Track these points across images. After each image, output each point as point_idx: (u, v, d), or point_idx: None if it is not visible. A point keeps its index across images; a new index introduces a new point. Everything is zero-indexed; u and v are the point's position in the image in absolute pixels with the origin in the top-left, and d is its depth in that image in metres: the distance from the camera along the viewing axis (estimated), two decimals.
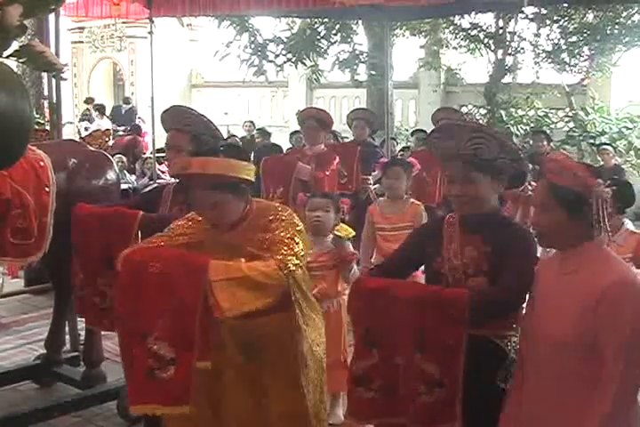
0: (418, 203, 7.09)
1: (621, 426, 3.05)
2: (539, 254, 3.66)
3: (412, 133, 14.59)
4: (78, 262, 4.86)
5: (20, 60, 5.10)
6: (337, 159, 8.50)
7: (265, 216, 3.80)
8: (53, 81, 7.95)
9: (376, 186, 10.47)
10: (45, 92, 9.61)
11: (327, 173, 8.21)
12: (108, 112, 21.06)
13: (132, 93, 23.38)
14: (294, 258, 3.58)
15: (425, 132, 13.71)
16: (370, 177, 9.95)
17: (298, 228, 3.75)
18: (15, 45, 5.11)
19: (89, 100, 21.91)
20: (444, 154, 3.69)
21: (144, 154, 17.17)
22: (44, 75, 8.32)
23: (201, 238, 3.88)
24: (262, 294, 3.46)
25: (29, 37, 5.80)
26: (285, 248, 3.60)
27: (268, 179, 8.35)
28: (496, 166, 3.54)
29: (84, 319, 5.10)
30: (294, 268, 3.57)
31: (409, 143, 14.16)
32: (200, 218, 3.91)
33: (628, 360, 2.99)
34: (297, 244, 3.65)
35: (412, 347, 3.25)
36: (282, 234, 3.67)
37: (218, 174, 3.66)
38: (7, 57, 4.89)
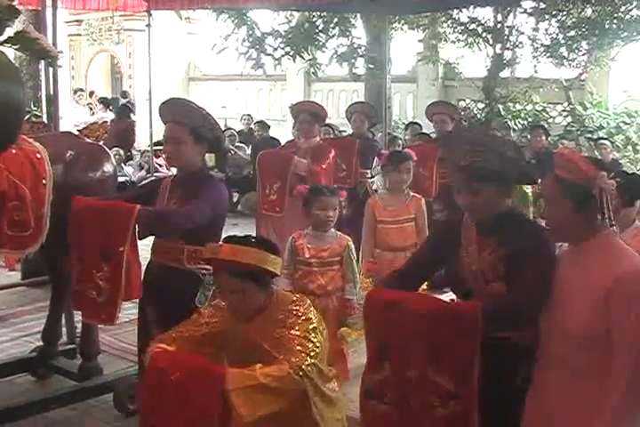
0: (418, 196, 7.12)
1: (633, 418, 3.05)
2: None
3: (406, 127, 14.61)
4: (75, 256, 4.83)
5: (15, 47, 5.09)
6: (332, 152, 8.49)
7: (282, 310, 3.81)
8: (51, 74, 7.94)
9: (374, 179, 10.49)
10: (42, 85, 9.60)
11: (324, 167, 8.20)
12: None
13: (130, 86, 23.35)
14: (308, 358, 3.58)
15: (419, 124, 13.75)
16: (368, 171, 9.95)
17: (312, 325, 3.73)
18: (10, 32, 5.10)
19: (90, 94, 21.87)
20: (449, 164, 3.70)
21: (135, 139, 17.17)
22: (42, 67, 8.30)
23: (222, 328, 3.90)
24: (278, 398, 3.48)
25: (24, 24, 5.79)
26: (300, 348, 3.60)
27: (264, 174, 8.34)
28: (499, 175, 3.51)
29: (80, 313, 5.06)
30: (309, 368, 3.56)
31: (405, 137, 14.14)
32: (224, 306, 3.95)
33: (636, 360, 2.99)
34: (311, 342, 3.65)
35: (426, 360, 3.23)
36: (297, 333, 3.68)
37: (246, 264, 3.70)
38: (1, 43, 4.89)
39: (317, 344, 3.66)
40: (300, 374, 3.51)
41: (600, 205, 3.14)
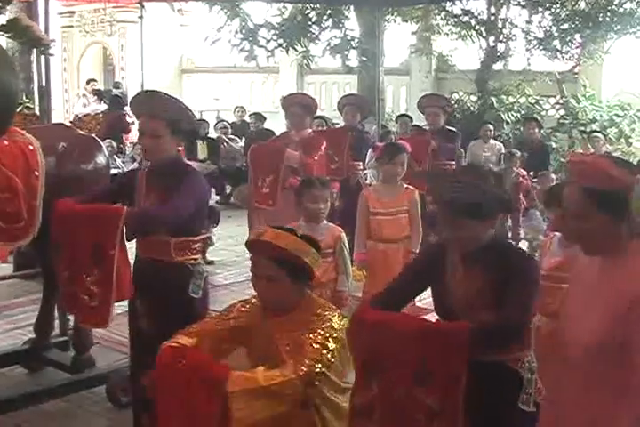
0: (412, 188, 7.12)
1: None
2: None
3: (397, 119, 14.61)
4: (63, 261, 4.77)
5: (7, 35, 5.07)
6: (324, 144, 8.49)
7: (310, 313, 3.78)
8: (43, 65, 7.90)
9: (366, 171, 10.49)
10: (35, 77, 9.56)
11: (315, 158, 8.20)
12: None
13: (123, 78, 23.27)
14: (318, 366, 3.53)
15: (409, 117, 13.76)
16: (359, 163, 9.94)
17: (334, 333, 3.67)
18: (2, 20, 5.08)
19: (89, 81, 21.71)
20: (434, 199, 3.71)
21: (129, 131, 17.08)
22: (34, 59, 8.27)
23: (249, 323, 3.89)
24: (276, 402, 3.45)
25: (17, 13, 5.77)
26: (313, 355, 3.56)
27: (256, 167, 8.33)
28: (480, 209, 3.52)
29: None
30: (316, 377, 3.53)
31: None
32: (256, 300, 3.96)
33: None
34: (327, 349, 3.59)
35: (412, 380, 3.25)
36: (316, 338, 3.62)
37: (284, 249, 3.69)
38: None
39: (334, 353, 3.61)
40: (305, 380, 3.48)
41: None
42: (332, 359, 3.60)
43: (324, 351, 3.57)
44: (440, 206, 3.65)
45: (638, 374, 2.90)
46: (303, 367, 3.49)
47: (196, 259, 4.74)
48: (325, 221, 5.99)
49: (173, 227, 4.57)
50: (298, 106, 8.51)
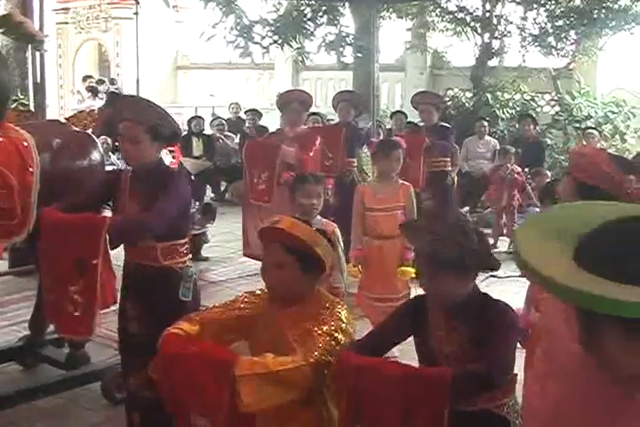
0: (407, 184, 7.13)
1: None
2: None
3: (392, 115, 14.63)
4: (47, 270, 4.74)
5: (0, 31, 5.06)
6: (318, 139, 8.50)
7: (319, 306, 3.77)
8: (38, 62, 7.90)
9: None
10: (30, 73, 9.55)
11: (311, 155, 8.22)
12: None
13: (118, 75, 23.28)
14: (327, 355, 3.52)
15: (404, 113, 13.78)
16: (354, 159, 9.95)
17: (343, 325, 3.67)
18: None
19: (85, 78, 21.69)
20: (415, 250, 3.71)
21: None
22: (29, 55, 8.28)
23: (255, 313, 3.89)
24: (286, 390, 3.44)
25: (10, 9, 5.77)
26: (322, 345, 3.55)
27: (251, 164, 8.34)
28: (457, 263, 3.52)
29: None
30: (325, 366, 3.52)
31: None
32: (262, 293, 3.95)
33: None
34: (336, 341, 3.59)
35: (395, 424, 3.27)
36: (325, 330, 3.62)
37: (298, 237, 3.68)
38: None
39: (342, 345, 3.60)
40: (314, 368, 3.46)
41: None
42: (338, 349, 3.59)
43: (333, 342, 3.57)
44: (420, 258, 3.65)
45: None
46: (313, 356, 3.48)
47: (184, 262, 4.72)
48: (319, 217, 6.00)
49: (158, 232, 4.56)
50: (297, 102, 8.54)
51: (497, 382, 3.39)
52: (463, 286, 3.58)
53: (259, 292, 3.98)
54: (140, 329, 4.63)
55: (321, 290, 3.99)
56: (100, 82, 21.30)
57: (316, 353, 3.49)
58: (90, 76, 21.77)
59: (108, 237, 4.34)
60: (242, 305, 3.94)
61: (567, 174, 3.09)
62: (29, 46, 7.21)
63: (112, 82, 22.20)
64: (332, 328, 3.62)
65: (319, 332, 3.60)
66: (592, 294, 1.64)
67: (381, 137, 11.38)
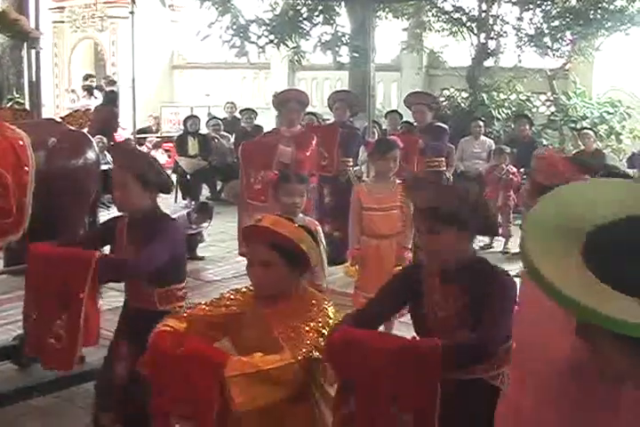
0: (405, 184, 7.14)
1: None
2: None
3: (386, 115, 14.66)
4: (32, 303, 4.74)
5: None
6: (315, 139, 8.51)
7: (305, 303, 3.80)
8: (33, 60, 7.88)
9: (356, 168, 10.51)
10: (25, 72, 9.54)
11: (308, 154, 8.22)
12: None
13: (114, 74, 23.19)
14: (314, 351, 3.55)
15: (399, 113, 13.79)
16: (350, 159, 9.95)
17: (329, 321, 3.70)
18: None
19: (87, 77, 21.62)
20: (414, 206, 3.70)
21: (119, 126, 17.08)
22: (24, 54, 8.25)
23: (241, 311, 3.90)
24: (276, 388, 3.47)
25: (5, 6, 5.76)
26: (309, 342, 3.58)
27: (247, 163, 8.34)
28: (457, 218, 3.52)
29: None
30: (314, 362, 3.55)
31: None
32: (247, 290, 3.97)
33: None
34: (323, 336, 3.61)
35: (388, 397, 3.28)
36: (312, 326, 3.65)
37: (282, 234, 3.71)
38: None
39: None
40: (303, 365, 3.49)
41: None
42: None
43: (321, 339, 3.59)
44: (420, 214, 3.66)
45: None
46: (301, 353, 3.50)
47: (181, 306, 4.73)
48: (301, 215, 6.03)
49: (152, 276, 4.55)
50: (294, 101, 8.55)
51: (490, 354, 3.40)
52: (461, 245, 3.58)
53: (244, 289, 4.00)
54: (128, 370, 4.60)
55: (306, 287, 4.02)
56: (112, 82, 21.29)
57: (303, 350, 3.52)
58: (91, 75, 21.72)
59: (95, 273, 4.35)
60: (228, 302, 3.95)
61: (529, 177, 3.09)
62: (25, 45, 7.19)
63: (112, 82, 22.14)
64: (320, 325, 3.65)
65: (306, 328, 3.63)
66: (597, 312, 1.63)
67: (377, 137, 11.38)
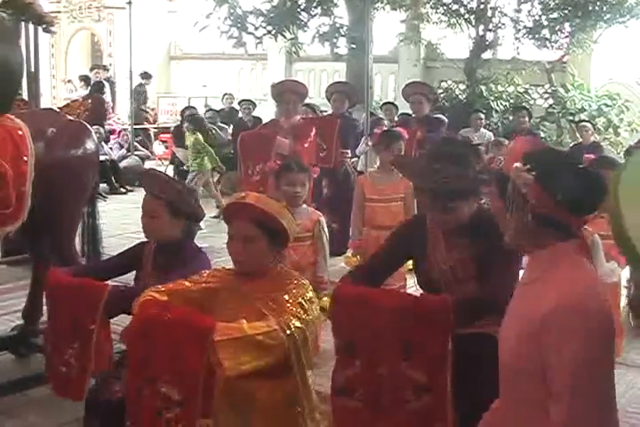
0: None
1: None
2: None
3: (381, 106, 14.64)
4: (50, 330, 4.74)
5: (9, 12, 5.04)
6: (313, 130, 8.49)
7: (285, 279, 3.88)
8: (32, 51, 7.86)
9: (354, 159, 10.49)
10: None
11: (306, 146, 8.21)
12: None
13: (111, 65, 23.16)
14: (297, 321, 3.61)
15: (394, 105, 13.77)
16: (348, 151, 9.92)
17: (309, 295, 3.78)
18: None
19: (93, 68, 21.50)
20: (416, 186, 3.68)
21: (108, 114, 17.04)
22: (23, 43, 8.22)
23: (220, 287, 3.95)
24: (262, 353, 3.52)
25: None
26: (291, 310, 3.65)
27: (246, 155, 8.33)
28: (467, 192, 3.50)
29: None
30: (295, 330, 3.59)
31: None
32: (223, 269, 4.06)
33: (571, 406, 2.50)
34: (303, 309, 3.68)
35: (398, 356, 3.26)
36: (293, 298, 3.72)
37: (265, 210, 3.79)
38: None
39: (310, 313, 3.69)
40: (287, 332, 3.55)
41: (510, 207, 2.65)
42: (309, 318, 3.67)
43: (300, 310, 3.65)
44: (426, 194, 3.63)
45: (555, 409, 2.54)
46: (284, 320, 3.57)
47: None
48: (304, 205, 6.03)
49: None
50: (291, 92, 8.54)
51: (500, 302, 3.35)
52: (470, 209, 3.57)
53: (221, 267, 4.11)
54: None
55: (284, 267, 4.10)
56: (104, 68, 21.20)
57: (285, 319, 3.58)
58: (97, 66, 21.62)
59: (106, 305, 4.31)
60: (208, 279, 4.00)
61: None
62: (23, 34, 7.16)
63: (104, 68, 22.01)
64: (299, 295, 3.73)
65: (286, 298, 3.71)
66: None
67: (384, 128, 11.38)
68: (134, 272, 4.88)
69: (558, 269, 2.63)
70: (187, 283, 3.97)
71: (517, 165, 2.59)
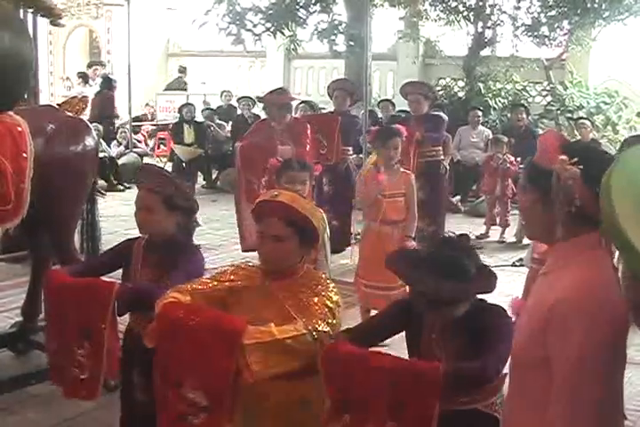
0: (408, 172, 7.16)
1: None
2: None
3: (379, 104, 14.67)
4: (53, 333, 4.67)
5: (21, 3, 5.06)
6: (309, 127, 8.55)
7: (313, 280, 3.87)
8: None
9: (353, 156, 10.50)
10: None
11: (307, 149, 8.30)
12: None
13: (109, 61, 23.17)
14: (324, 325, 3.61)
15: (391, 102, 13.80)
16: (349, 148, 9.93)
17: (336, 298, 3.78)
18: None
19: (91, 64, 21.53)
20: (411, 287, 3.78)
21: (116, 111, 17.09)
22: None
23: (246, 285, 3.92)
24: (290, 357, 3.50)
25: None
26: (319, 313, 3.64)
27: (247, 168, 8.41)
28: (462, 294, 3.52)
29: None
30: (322, 335, 3.58)
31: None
32: (246, 266, 4.04)
33: (569, 401, 2.51)
34: (331, 312, 3.68)
35: (385, 416, 3.24)
36: (321, 300, 3.71)
37: (297, 210, 3.80)
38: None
39: (336, 316, 3.69)
40: (315, 336, 3.54)
41: (555, 198, 2.64)
42: (334, 322, 3.68)
43: (329, 314, 3.66)
44: (421, 295, 3.61)
45: (554, 404, 2.56)
46: (312, 323, 3.56)
47: None
48: None
49: None
50: (279, 104, 8.74)
51: (488, 379, 3.36)
52: (466, 308, 3.57)
53: (244, 265, 4.06)
54: (146, 397, 4.55)
55: (310, 268, 4.10)
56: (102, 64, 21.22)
57: (313, 321, 3.58)
58: (95, 63, 21.62)
59: (115, 304, 4.29)
60: (232, 277, 3.98)
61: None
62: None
63: (101, 64, 21.99)
64: (325, 299, 3.72)
65: (315, 301, 3.70)
66: None
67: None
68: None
69: (576, 260, 2.65)
70: (209, 281, 3.95)
71: (563, 157, 2.62)
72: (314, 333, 3.54)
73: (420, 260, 3.55)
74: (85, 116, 17.49)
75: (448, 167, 10.80)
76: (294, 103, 10.54)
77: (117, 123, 17.97)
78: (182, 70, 22.72)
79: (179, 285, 4.16)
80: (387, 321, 3.87)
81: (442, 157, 10.20)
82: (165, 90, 22.13)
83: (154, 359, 3.75)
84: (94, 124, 13.71)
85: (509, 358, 2.99)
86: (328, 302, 3.70)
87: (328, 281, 3.89)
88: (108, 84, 17.61)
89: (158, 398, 3.74)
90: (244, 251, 8.76)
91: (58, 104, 6.94)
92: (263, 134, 8.95)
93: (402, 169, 7.14)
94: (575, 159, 2.62)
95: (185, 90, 21.61)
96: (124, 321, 4.61)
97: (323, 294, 3.74)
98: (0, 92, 5.17)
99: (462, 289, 3.45)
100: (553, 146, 2.73)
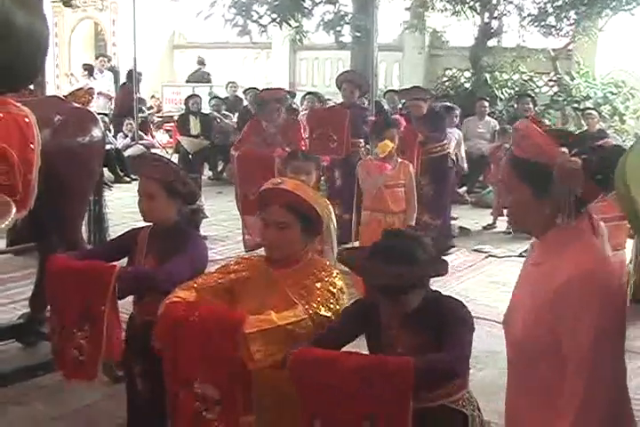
0: (407, 162, 7.16)
1: None
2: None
3: (384, 95, 14.65)
4: (55, 316, 4.67)
5: None
6: (300, 125, 8.67)
7: (317, 267, 3.87)
8: None
9: (364, 147, 10.50)
10: None
11: (304, 149, 8.39)
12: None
13: (114, 54, 23.14)
14: (325, 310, 3.63)
15: (397, 92, 13.80)
16: (360, 140, 9.92)
17: (340, 284, 3.78)
18: None
19: (98, 56, 21.49)
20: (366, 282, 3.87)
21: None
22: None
23: (250, 275, 3.94)
24: (291, 343, 3.49)
25: None
26: (320, 299, 3.65)
27: (245, 178, 8.47)
28: (418, 283, 3.50)
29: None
30: (323, 319, 3.60)
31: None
32: (250, 256, 4.10)
33: (591, 375, 2.52)
34: (334, 297, 3.70)
35: (359, 418, 3.21)
36: (323, 286, 3.72)
37: (302, 197, 3.81)
38: None
39: (340, 302, 3.71)
40: (315, 320, 3.56)
41: (558, 189, 2.66)
42: (337, 307, 3.69)
43: (332, 300, 3.68)
44: (375, 288, 3.60)
45: (571, 382, 2.56)
46: (312, 309, 3.59)
47: None
48: None
49: (166, 291, 4.47)
50: (274, 101, 8.86)
51: (457, 372, 3.35)
52: (420, 297, 3.54)
53: (247, 256, 4.15)
54: (146, 386, 4.57)
55: (314, 255, 4.09)
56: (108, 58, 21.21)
57: (314, 305, 3.60)
58: (103, 55, 21.58)
59: (116, 286, 4.30)
60: (236, 267, 4.00)
61: (509, 152, 2.98)
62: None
63: (107, 57, 21.97)
64: (329, 284, 3.73)
65: (317, 286, 3.71)
66: None
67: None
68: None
69: (572, 246, 2.68)
70: (215, 274, 3.97)
71: (564, 150, 2.64)
72: (314, 317, 3.56)
73: (371, 253, 3.53)
74: (111, 111, 17.72)
75: (456, 160, 10.84)
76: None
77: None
78: (201, 61, 22.54)
79: (179, 269, 4.26)
80: (345, 325, 3.79)
81: (447, 151, 10.21)
82: (187, 82, 22.07)
83: (162, 360, 3.77)
84: (100, 115, 13.73)
85: (508, 356, 2.95)
86: (331, 288, 3.72)
87: (331, 267, 3.90)
88: (129, 77, 17.66)
89: (170, 399, 3.76)
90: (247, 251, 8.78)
91: (64, 95, 6.92)
92: (256, 138, 9.03)
93: (400, 160, 7.17)
94: (575, 150, 2.65)
95: (209, 81, 21.51)
96: (127, 311, 4.63)
97: (326, 279, 3.75)
98: (18, 67, 5.16)
99: (413, 273, 3.41)
100: (544, 140, 2.71)
